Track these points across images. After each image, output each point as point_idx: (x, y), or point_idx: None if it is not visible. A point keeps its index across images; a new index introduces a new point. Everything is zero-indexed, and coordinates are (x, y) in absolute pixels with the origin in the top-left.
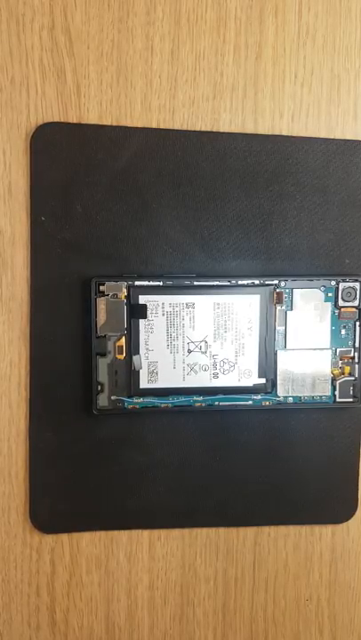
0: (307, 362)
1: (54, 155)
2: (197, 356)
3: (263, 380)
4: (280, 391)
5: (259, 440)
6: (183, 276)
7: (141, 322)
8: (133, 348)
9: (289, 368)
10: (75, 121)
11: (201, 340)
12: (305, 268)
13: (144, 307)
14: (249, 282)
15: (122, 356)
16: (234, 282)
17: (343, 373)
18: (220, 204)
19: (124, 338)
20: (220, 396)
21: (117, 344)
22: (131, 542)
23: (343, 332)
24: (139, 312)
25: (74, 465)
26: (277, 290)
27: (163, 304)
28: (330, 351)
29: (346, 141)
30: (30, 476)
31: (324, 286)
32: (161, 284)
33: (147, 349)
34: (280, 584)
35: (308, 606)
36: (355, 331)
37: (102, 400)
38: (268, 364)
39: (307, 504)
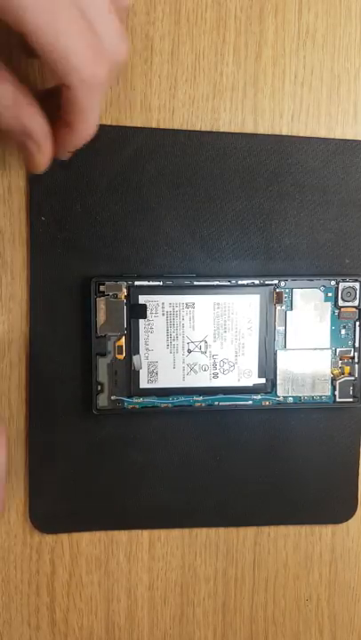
0: (307, 362)
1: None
2: (197, 355)
3: (263, 380)
4: (280, 391)
5: (259, 440)
6: (183, 276)
7: (141, 322)
8: (133, 347)
9: (289, 368)
10: None
11: (201, 339)
12: (305, 268)
13: (144, 307)
14: (249, 282)
15: (122, 356)
16: (234, 282)
17: (343, 373)
18: (220, 204)
19: (123, 338)
20: (220, 396)
21: (117, 344)
22: (131, 542)
23: (343, 331)
24: (139, 312)
25: (74, 465)
26: (277, 290)
27: (163, 304)
28: (330, 351)
29: (346, 141)
30: (30, 476)
31: (324, 286)
32: (161, 283)
33: (147, 349)
34: (280, 584)
35: (308, 606)
36: (355, 331)
37: (102, 400)
38: (268, 364)
39: (307, 504)
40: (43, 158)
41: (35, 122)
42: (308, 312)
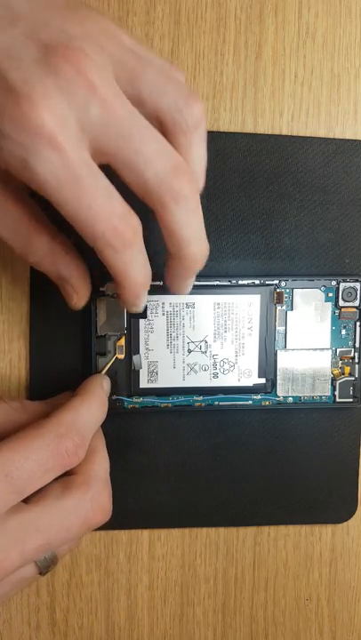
0: (307, 362)
1: None
2: (197, 355)
3: (263, 380)
4: (280, 391)
5: (259, 440)
6: None
7: (141, 322)
8: (133, 347)
9: (289, 368)
10: None
11: (201, 339)
12: (305, 268)
13: (144, 306)
14: (249, 282)
15: (122, 356)
16: (234, 282)
17: (343, 373)
18: (220, 203)
19: (123, 338)
20: (220, 396)
21: (117, 344)
22: (131, 542)
23: (343, 332)
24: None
25: None
26: (278, 290)
27: (163, 304)
28: (330, 351)
29: (346, 141)
30: None
31: (325, 286)
32: (161, 283)
33: (147, 349)
34: (280, 584)
35: (308, 606)
36: (355, 331)
37: None
38: (268, 364)
39: (307, 504)
40: (78, 299)
41: (70, 269)
42: (309, 312)
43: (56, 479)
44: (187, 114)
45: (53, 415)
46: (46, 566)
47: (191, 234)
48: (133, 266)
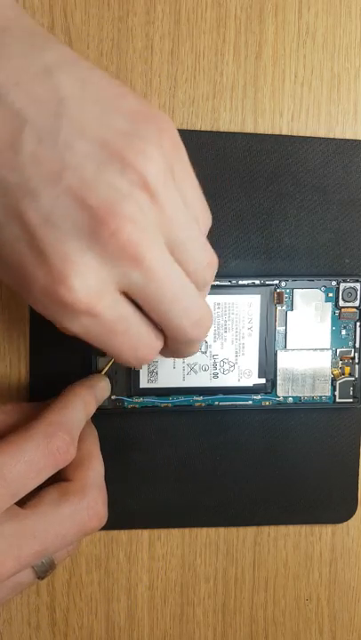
0: (307, 362)
1: None
2: (197, 355)
3: (263, 380)
4: (280, 391)
5: (259, 440)
6: None
7: None
8: None
9: (289, 368)
10: None
11: None
12: (305, 268)
13: None
14: (249, 282)
15: None
16: (234, 282)
17: (343, 374)
18: (220, 203)
19: None
20: (220, 396)
21: None
22: (131, 542)
23: (343, 332)
24: None
25: None
26: (278, 290)
27: None
28: (330, 351)
29: (346, 141)
30: None
31: (325, 286)
32: None
33: None
34: (280, 584)
35: (308, 606)
36: (355, 331)
37: None
38: (268, 364)
39: (307, 504)
40: None
41: None
42: (309, 312)
43: (53, 485)
44: (202, 279)
45: (41, 416)
46: (44, 571)
47: (193, 351)
48: (143, 367)
